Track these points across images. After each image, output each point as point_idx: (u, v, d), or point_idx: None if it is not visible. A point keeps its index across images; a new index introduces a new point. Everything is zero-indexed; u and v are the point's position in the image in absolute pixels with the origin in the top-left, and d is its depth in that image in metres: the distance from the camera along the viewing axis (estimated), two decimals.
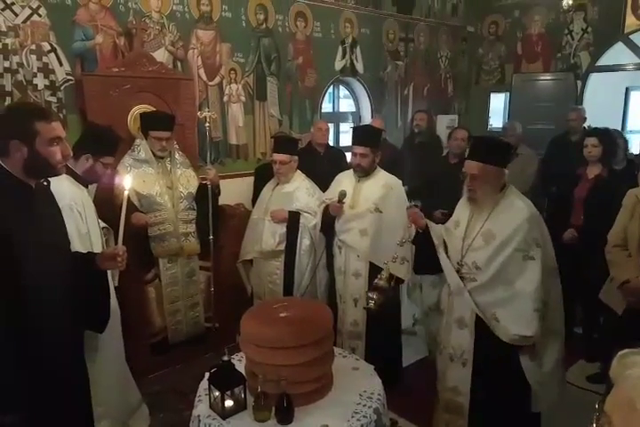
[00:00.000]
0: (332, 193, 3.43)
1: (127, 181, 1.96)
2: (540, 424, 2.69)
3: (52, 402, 1.76)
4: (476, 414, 2.56)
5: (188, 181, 3.64)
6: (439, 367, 2.73)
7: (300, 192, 3.63)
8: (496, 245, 2.36)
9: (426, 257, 2.69)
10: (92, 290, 2.06)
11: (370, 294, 2.71)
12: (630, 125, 6.71)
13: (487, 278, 2.38)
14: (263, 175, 4.05)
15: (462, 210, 2.60)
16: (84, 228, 2.56)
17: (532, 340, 2.35)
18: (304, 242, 3.59)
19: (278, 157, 3.59)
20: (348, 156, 4.09)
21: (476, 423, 2.58)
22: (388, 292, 2.70)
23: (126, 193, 1.94)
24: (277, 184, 3.70)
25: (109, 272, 2.57)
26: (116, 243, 3.00)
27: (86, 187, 2.75)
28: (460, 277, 2.47)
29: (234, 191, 4.42)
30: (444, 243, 2.62)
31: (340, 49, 5.47)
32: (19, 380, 1.68)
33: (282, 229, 3.59)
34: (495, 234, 2.37)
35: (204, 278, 3.83)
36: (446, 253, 2.58)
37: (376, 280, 2.74)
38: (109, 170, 2.88)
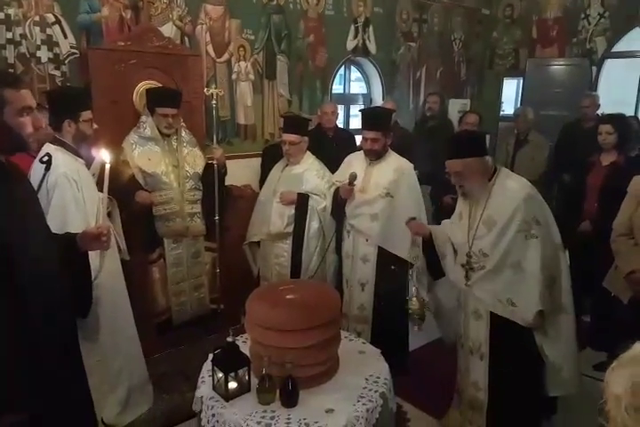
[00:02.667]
0: (342, 175, 3.36)
1: (106, 155, 1.86)
2: (555, 409, 2.67)
3: (46, 391, 1.63)
4: (492, 408, 2.55)
5: (194, 160, 3.57)
6: (461, 362, 2.72)
7: (309, 174, 3.54)
8: (498, 229, 2.37)
9: (438, 264, 2.72)
10: (73, 273, 1.87)
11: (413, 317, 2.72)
12: None
13: (494, 263, 2.39)
14: (271, 156, 3.98)
15: (462, 202, 2.62)
16: (79, 196, 2.53)
17: (544, 319, 2.35)
18: (312, 225, 3.52)
19: (288, 137, 3.49)
20: (358, 138, 4.01)
21: (493, 417, 2.56)
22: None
23: (107, 166, 1.84)
24: (286, 165, 3.62)
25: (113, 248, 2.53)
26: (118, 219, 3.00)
27: (81, 158, 2.71)
28: (470, 268, 2.50)
29: (241, 172, 4.36)
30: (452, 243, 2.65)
31: (353, 28, 5.34)
32: (13, 372, 1.54)
33: (290, 211, 3.52)
34: (496, 220, 2.39)
35: (209, 259, 3.78)
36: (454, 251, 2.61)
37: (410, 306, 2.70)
38: (94, 125, 2.81)
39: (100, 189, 2.70)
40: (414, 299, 2.67)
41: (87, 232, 1.87)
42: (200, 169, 3.58)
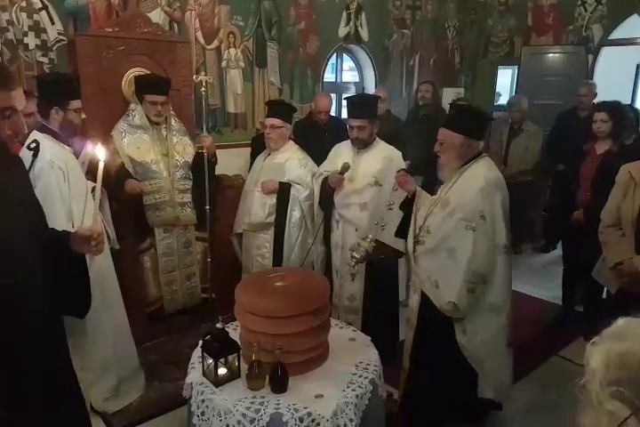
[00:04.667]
0: (331, 165, 3.33)
1: (101, 152, 1.76)
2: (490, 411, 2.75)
3: (31, 392, 1.57)
4: (420, 395, 2.61)
5: (184, 149, 3.54)
6: None
7: (291, 163, 3.49)
8: (447, 212, 2.43)
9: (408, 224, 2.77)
10: (68, 272, 1.77)
11: (351, 253, 2.79)
12: None
13: (433, 243, 2.46)
14: (261, 145, 3.92)
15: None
16: (65, 187, 2.48)
17: (460, 312, 2.39)
18: (294, 214, 3.48)
19: (270, 120, 3.46)
20: None
21: (420, 406, 2.62)
22: (369, 253, 2.75)
23: (101, 164, 1.74)
24: (269, 154, 3.58)
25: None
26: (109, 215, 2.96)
27: (69, 146, 2.67)
28: (417, 241, 2.56)
29: (231, 162, 4.31)
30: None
31: (345, 14, 5.27)
32: None
33: (272, 200, 3.47)
34: (450, 202, 2.44)
35: (200, 249, 3.76)
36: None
37: (360, 240, 2.78)
38: (83, 115, 2.77)
39: (89, 179, 2.68)
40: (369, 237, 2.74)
41: (79, 232, 1.77)
42: (190, 158, 3.55)
